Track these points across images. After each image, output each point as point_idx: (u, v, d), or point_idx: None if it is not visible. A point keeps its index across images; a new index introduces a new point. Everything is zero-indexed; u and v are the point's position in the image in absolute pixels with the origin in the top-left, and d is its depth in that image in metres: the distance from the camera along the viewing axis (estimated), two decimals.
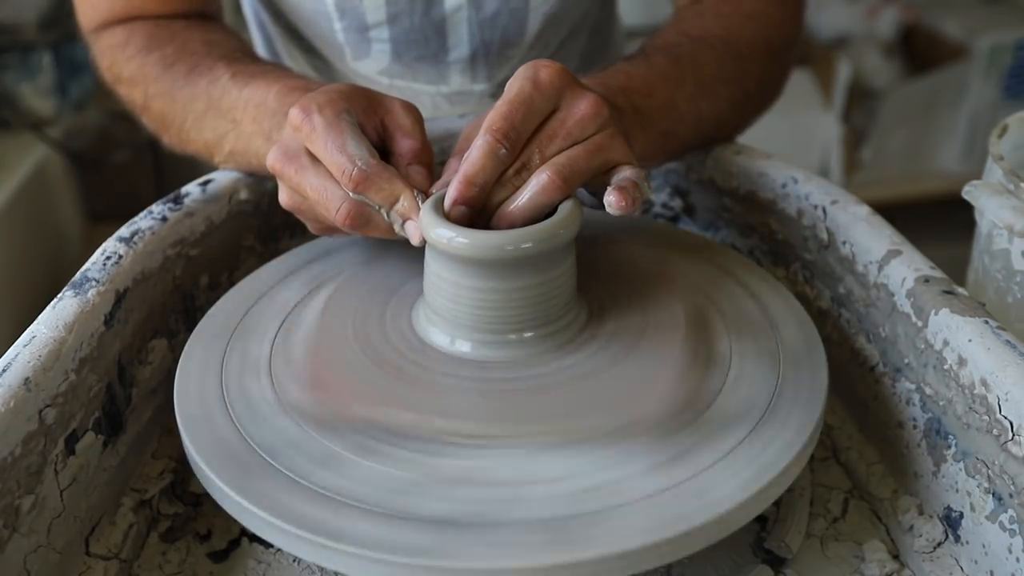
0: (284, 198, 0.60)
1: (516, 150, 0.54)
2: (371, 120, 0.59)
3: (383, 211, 0.55)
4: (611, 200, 0.53)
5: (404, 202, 0.55)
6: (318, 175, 0.56)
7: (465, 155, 0.54)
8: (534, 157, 0.54)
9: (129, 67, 0.75)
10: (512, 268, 0.53)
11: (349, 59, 0.84)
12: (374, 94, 0.60)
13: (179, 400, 0.54)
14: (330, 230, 0.61)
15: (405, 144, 0.58)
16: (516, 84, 0.54)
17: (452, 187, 0.53)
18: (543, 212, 0.54)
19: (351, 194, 0.55)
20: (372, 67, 0.84)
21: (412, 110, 0.60)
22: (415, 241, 0.55)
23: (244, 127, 0.67)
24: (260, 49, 0.94)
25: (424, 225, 0.53)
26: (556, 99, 0.55)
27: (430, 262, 0.56)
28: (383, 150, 0.59)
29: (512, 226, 0.53)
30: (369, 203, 0.55)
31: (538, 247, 0.52)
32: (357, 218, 0.55)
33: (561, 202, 0.54)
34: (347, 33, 0.82)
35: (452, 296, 0.54)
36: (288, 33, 0.89)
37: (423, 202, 0.55)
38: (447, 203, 0.53)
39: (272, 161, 0.58)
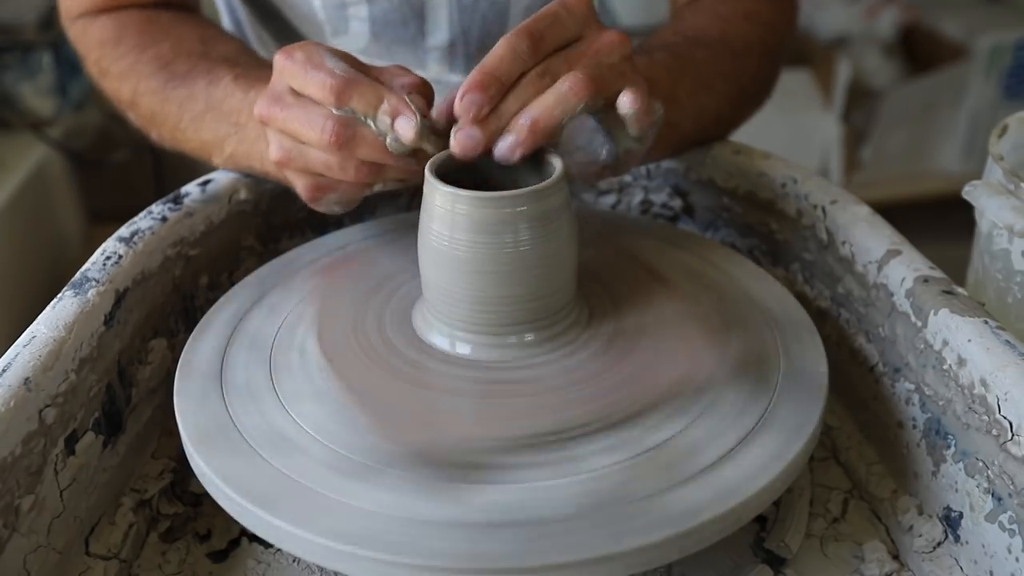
0: (274, 150, 0.59)
1: (538, 54, 0.53)
2: None
3: (370, 122, 0.54)
4: (626, 100, 0.53)
5: (389, 101, 0.54)
6: (302, 106, 0.56)
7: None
8: (561, 66, 0.53)
9: (120, 64, 0.74)
10: (511, 203, 0.52)
11: (328, 36, 0.83)
12: (364, 63, 0.60)
13: (179, 399, 0.54)
14: (323, 188, 0.60)
15: (403, 79, 0.57)
16: (545, 7, 0.55)
17: (468, 78, 0.52)
18: (567, 117, 0.52)
19: (335, 111, 0.54)
20: (351, 45, 0.83)
21: (405, 68, 0.59)
22: (407, 137, 0.53)
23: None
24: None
25: (426, 186, 0.52)
26: (582, 24, 0.55)
27: (427, 238, 0.54)
28: None
29: (535, 127, 0.52)
30: (354, 114, 0.54)
31: (533, 185, 0.52)
32: (343, 134, 0.54)
33: (584, 110, 0.53)
34: (326, 10, 0.81)
35: (450, 289, 0.54)
36: (261, 16, 0.88)
37: (423, 126, 0.53)
38: (459, 93, 0.52)
39: (259, 109, 0.58)
